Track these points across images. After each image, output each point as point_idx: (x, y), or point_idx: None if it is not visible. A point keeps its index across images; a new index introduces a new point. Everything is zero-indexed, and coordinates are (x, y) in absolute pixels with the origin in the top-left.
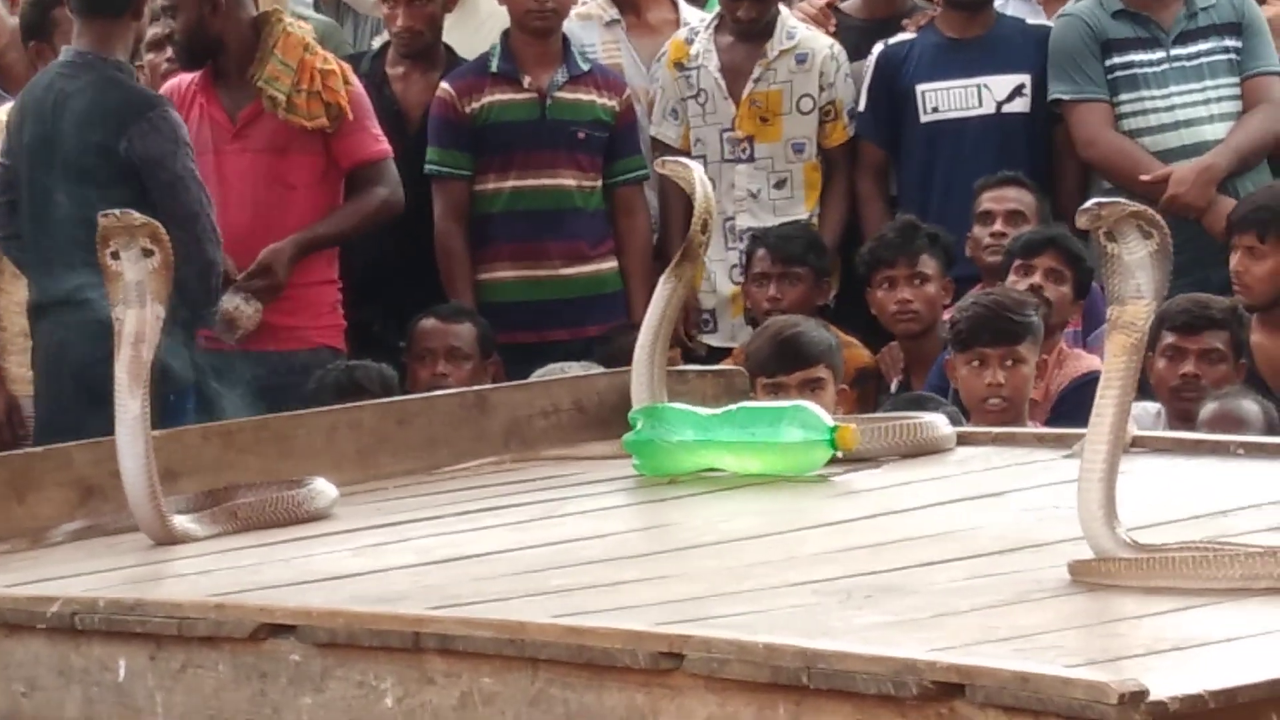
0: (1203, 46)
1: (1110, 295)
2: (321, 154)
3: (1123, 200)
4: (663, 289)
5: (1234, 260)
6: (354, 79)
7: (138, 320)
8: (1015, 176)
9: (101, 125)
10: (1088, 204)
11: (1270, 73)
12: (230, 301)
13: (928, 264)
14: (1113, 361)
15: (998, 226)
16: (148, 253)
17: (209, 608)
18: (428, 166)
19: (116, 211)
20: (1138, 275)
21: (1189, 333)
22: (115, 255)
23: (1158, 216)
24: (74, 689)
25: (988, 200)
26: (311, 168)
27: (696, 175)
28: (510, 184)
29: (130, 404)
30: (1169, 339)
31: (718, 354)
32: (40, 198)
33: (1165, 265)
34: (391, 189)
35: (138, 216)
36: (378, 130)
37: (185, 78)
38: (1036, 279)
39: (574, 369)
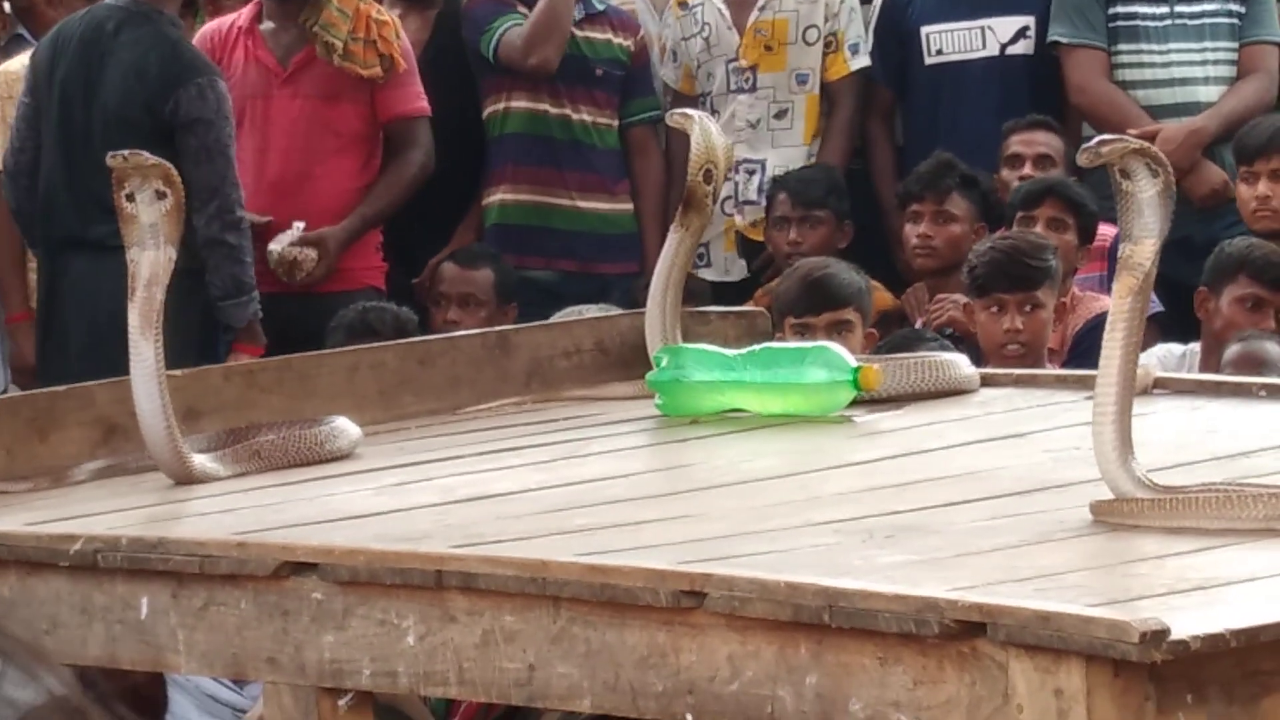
0: (1206, 7)
1: (1122, 233)
2: (367, 105)
3: (1125, 137)
4: (671, 238)
5: (1257, 189)
6: (404, 34)
7: (151, 263)
8: (1045, 120)
9: (151, 83)
10: (1090, 142)
11: (1269, 41)
12: (289, 248)
13: (957, 204)
14: (1119, 303)
15: (1027, 170)
16: (161, 195)
17: (231, 546)
18: (498, 27)
19: (125, 153)
20: (1146, 213)
21: (1276, 287)
22: (130, 198)
23: (1162, 155)
24: (96, 627)
25: (1017, 143)
26: (359, 117)
27: (696, 125)
28: (529, 104)
29: (143, 346)
30: (1250, 287)
31: (721, 289)
32: (74, 138)
33: (1169, 205)
34: (425, 151)
35: (149, 157)
36: (420, 88)
37: (228, 19)
38: (1039, 229)
39: (591, 311)
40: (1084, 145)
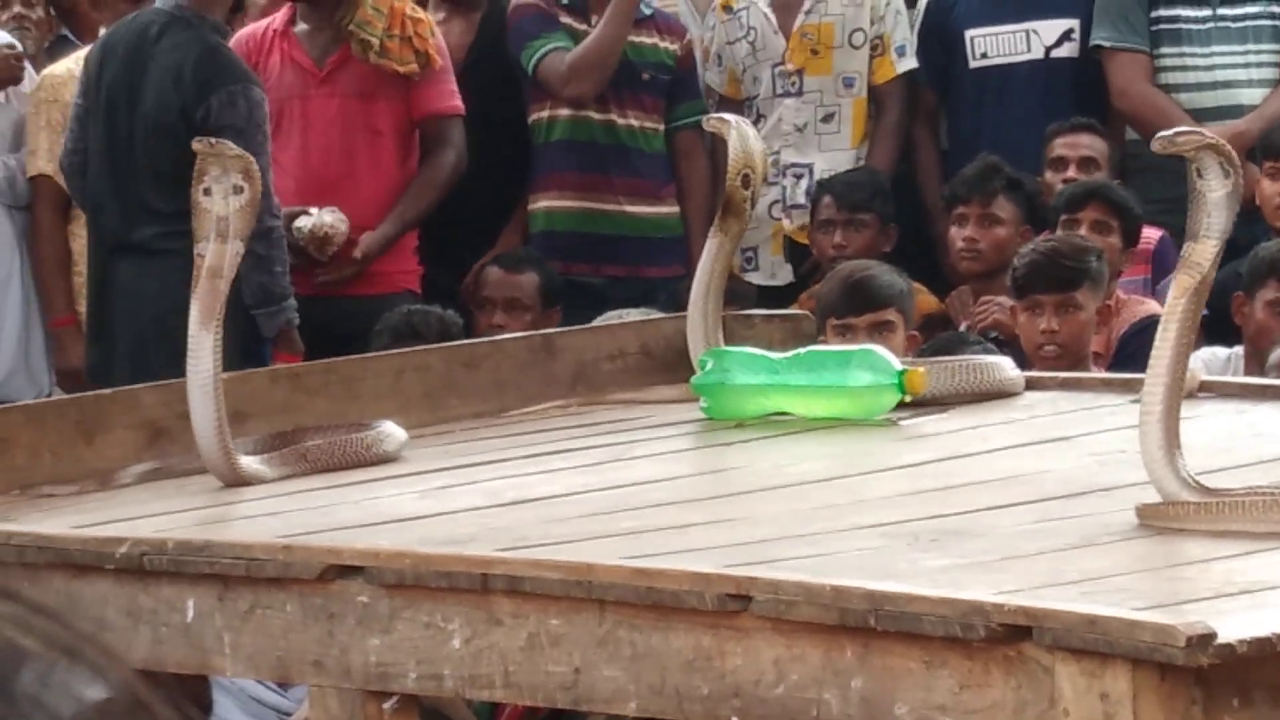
0: (1249, 10)
1: (1188, 231)
2: (403, 102)
3: (1201, 130)
4: (710, 244)
5: None
6: (438, 31)
7: (217, 254)
8: (1089, 123)
9: (187, 89)
10: (1166, 130)
11: None
12: (319, 220)
13: (1003, 207)
14: (1174, 302)
15: (1071, 173)
16: (238, 189)
17: (277, 549)
18: (538, 49)
19: (211, 140)
20: (1213, 213)
21: None
22: (208, 192)
23: (1235, 156)
24: (142, 630)
25: (1061, 146)
26: (396, 115)
27: (734, 130)
28: (574, 112)
29: (203, 339)
30: (1278, 292)
31: (768, 293)
32: (118, 142)
33: (1234, 208)
34: (459, 150)
35: (231, 147)
36: (454, 86)
37: (262, 24)
38: (1083, 232)
39: (633, 315)
40: (1160, 134)
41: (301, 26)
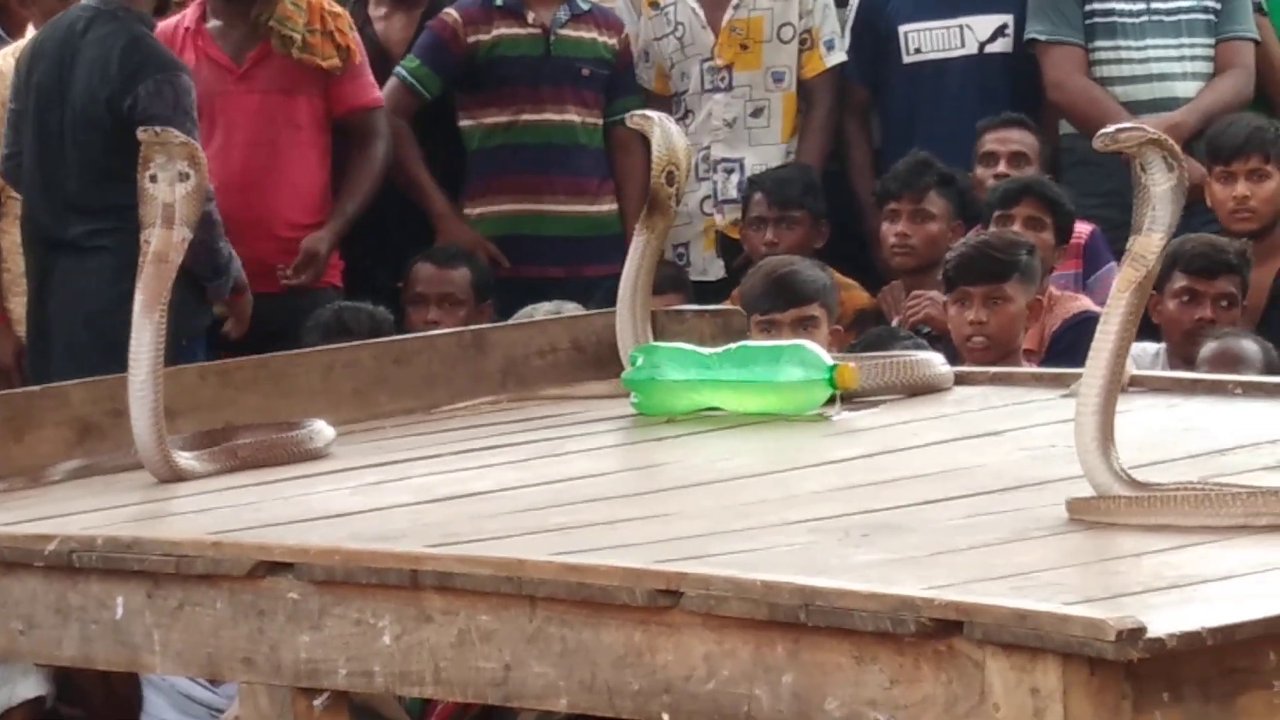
0: (1183, 3)
1: (1133, 224)
2: (321, 96)
3: (1143, 126)
4: (636, 241)
5: (1235, 189)
6: (353, 25)
7: (163, 240)
8: (1019, 118)
9: (113, 80)
10: (1108, 128)
11: (1245, 37)
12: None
13: (935, 202)
14: (1117, 296)
15: (1001, 168)
16: (184, 176)
17: (207, 545)
18: (400, 69)
19: (157, 129)
20: (1157, 207)
21: (1206, 277)
22: (154, 179)
23: (1179, 149)
24: (71, 627)
25: (991, 141)
26: (315, 109)
27: (657, 126)
28: (511, 118)
29: (145, 326)
30: (1182, 281)
31: (700, 288)
32: (49, 139)
33: (1180, 201)
34: (386, 139)
35: (177, 135)
36: (373, 79)
37: (172, 21)
38: (1016, 228)
39: (544, 309)
40: (1101, 131)
41: (214, 23)
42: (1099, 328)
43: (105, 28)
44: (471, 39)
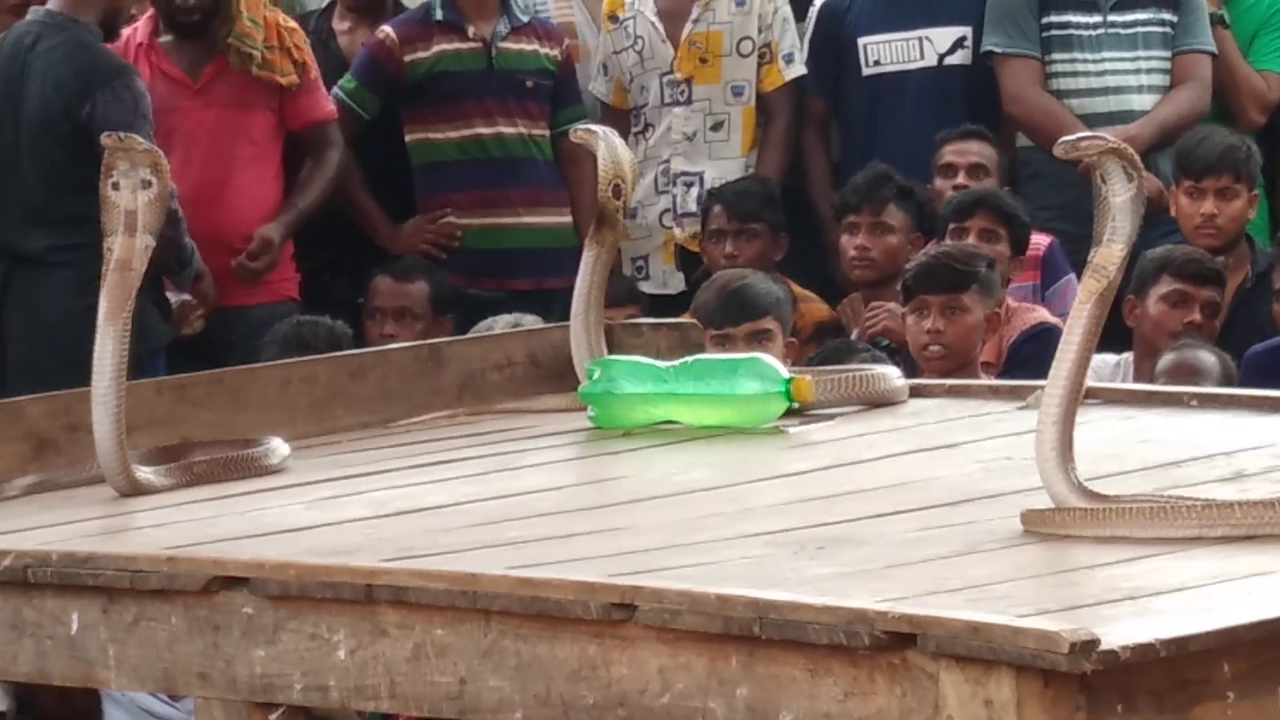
0: (1139, 16)
1: (1094, 236)
2: (275, 111)
3: (1104, 135)
4: (586, 257)
5: (1203, 205)
6: (308, 41)
7: (126, 247)
8: (978, 130)
9: (68, 89)
10: (1068, 136)
11: (1201, 50)
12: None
13: (894, 215)
14: (1080, 307)
15: (960, 180)
16: (146, 184)
17: (161, 561)
18: (337, 90)
19: (120, 135)
20: (1117, 217)
21: (1197, 282)
22: (116, 186)
23: (1138, 159)
24: (26, 642)
25: (950, 153)
26: (270, 124)
27: (601, 140)
28: (460, 133)
29: (108, 333)
30: (1173, 284)
31: (659, 302)
32: (4, 156)
33: (1140, 212)
34: (342, 149)
35: (140, 142)
36: (325, 92)
37: (123, 35)
38: (971, 240)
39: (503, 322)
40: (1062, 139)
41: (166, 38)
42: (1063, 337)
43: (54, 39)
44: (409, 57)
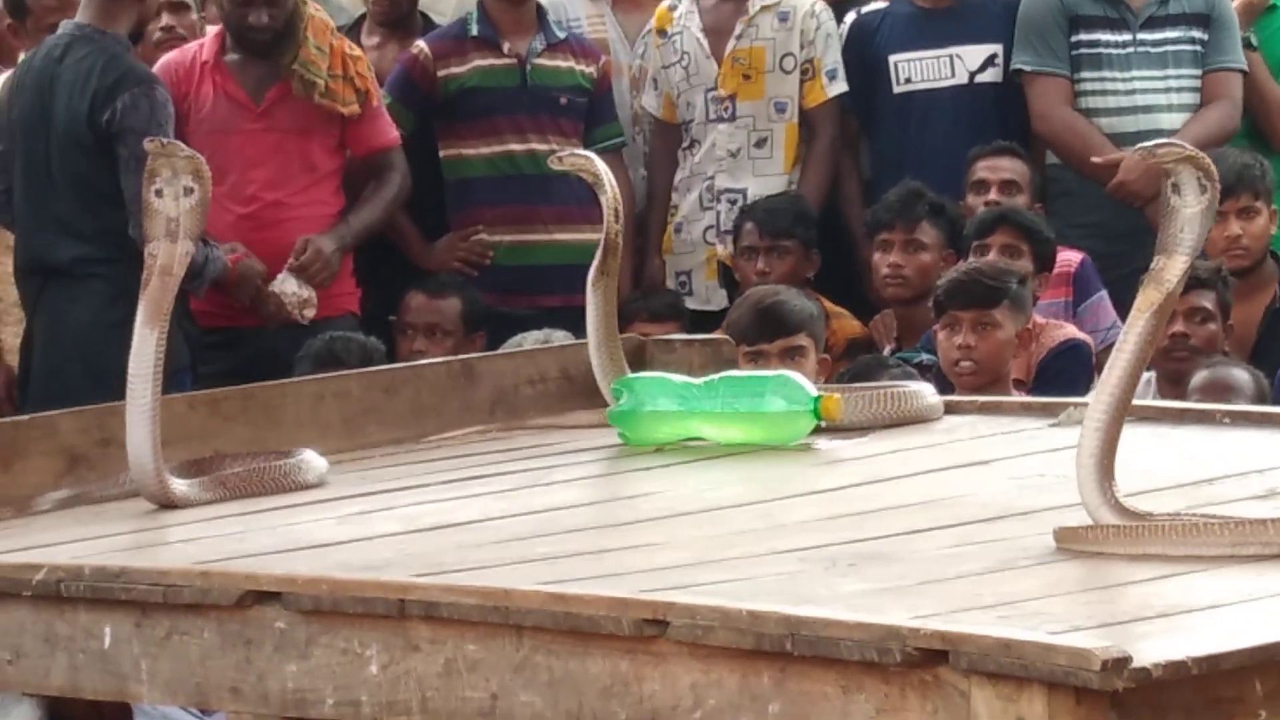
0: (1170, 34)
1: (1158, 245)
2: (336, 138)
3: (1183, 144)
4: (593, 291)
5: (1227, 228)
6: (372, 67)
7: (168, 254)
8: (1010, 146)
9: (94, 96)
10: (1147, 142)
11: (1233, 69)
12: (297, 290)
13: (927, 232)
14: (1135, 316)
15: (992, 196)
16: (189, 190)
17: (194, 575)
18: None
19: (162, 139)
20: (1185, 229)
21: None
22: (159, 193)
23: (1215, 170)
24: (59, 656)
25: (982, 169)
26: (330, 151)
27: (600, 166)
28: (493, 149)
29: (146, 339)
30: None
31: (702, 318)
32: (36, 166)
33: (1209, 224)
34: (404, 174)
35: (182, 148)
36: (389, 119)
37: (188, 50)
38: (993, 256)
39: (532, 338)
40: (1140, 145)
41: (232, 57)
42: (1116, 346)
43: (82, 50)
44: (443, 72)
